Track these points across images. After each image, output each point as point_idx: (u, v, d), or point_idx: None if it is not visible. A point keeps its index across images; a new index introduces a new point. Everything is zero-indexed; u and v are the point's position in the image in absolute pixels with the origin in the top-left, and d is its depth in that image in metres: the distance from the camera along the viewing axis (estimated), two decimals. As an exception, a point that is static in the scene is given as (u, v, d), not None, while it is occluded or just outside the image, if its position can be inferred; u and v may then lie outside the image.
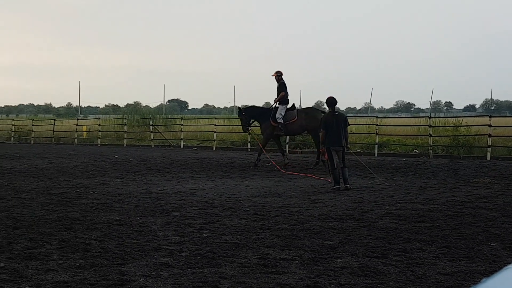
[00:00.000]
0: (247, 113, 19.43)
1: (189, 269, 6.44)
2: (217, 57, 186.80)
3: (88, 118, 55.95)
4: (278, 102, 18.80)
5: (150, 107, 53.40)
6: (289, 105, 18.93)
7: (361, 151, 25.73)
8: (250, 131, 21.13)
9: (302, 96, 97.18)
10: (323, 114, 18.65)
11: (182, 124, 33.05)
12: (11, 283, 5.93)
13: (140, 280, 6.02)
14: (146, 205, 10.85)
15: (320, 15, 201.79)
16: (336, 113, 13.35)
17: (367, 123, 29.02)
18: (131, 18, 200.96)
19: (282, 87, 18.75)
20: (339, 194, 12.52)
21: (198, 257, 6.95)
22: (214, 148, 29.43)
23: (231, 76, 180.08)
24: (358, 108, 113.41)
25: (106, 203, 11.14)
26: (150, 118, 35.16)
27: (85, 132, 36.71)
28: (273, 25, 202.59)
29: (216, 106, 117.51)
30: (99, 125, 35.88)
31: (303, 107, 23.20)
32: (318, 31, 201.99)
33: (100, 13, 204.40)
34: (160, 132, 33.82)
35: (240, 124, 20.19)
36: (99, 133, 34.90)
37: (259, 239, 7.97)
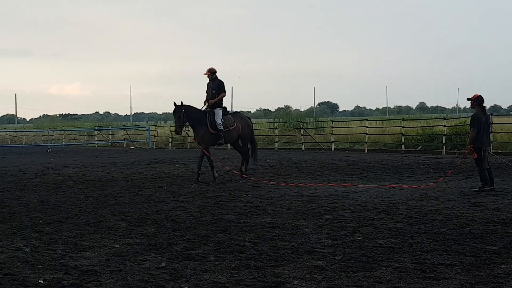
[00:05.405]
0: (187, 112, 15.47)
1: (343, 273, 6.32)
2: (367, 58, 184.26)
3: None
4: (208, 105, 15.81)
5: (301, 111, 53.73)
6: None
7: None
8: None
9: (460, 95, 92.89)
10: (248, 121, 16.44)
11: (333, 127, 32.95)
12: (171, 282, 6.15)
13: (294, 283, 6.00)
14: (298, 208, 10.86)
15: (467, 8, 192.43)
16: (484, 112, 12.99)
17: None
18: (281, 23, 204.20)
19: (221, 87, 15.78)
20: (502, 197, 11.79)
21: (352, 261, 6.81)
22: (366, 150, 29.03)
23: (383, 77, 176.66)
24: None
25: (259, 206, 11.29)
26: (301, 122, 35.43)
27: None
28: (422, 25, 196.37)
29: (368, 108, 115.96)
30: (251, 129, 36.67)
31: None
32: (471, 24, 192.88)
33: (250, 19, 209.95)
34: (310, 135, 33.97)
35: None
36: (251, 138, 35.67)
37: (415, 243, 7.67)
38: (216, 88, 15.77)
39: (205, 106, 15.84)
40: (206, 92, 15.94)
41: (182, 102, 15.38)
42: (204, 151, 15.63)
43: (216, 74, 15.96)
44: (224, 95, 15.93)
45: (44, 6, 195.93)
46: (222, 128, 15.61)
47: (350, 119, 47.54)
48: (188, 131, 16.90)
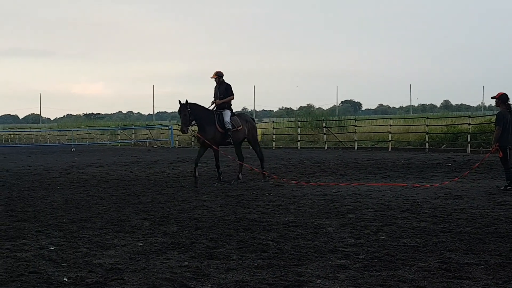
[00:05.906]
0: (192, 111, 15.10)
1: (366, 272, 6.28)
2: (391, 57, 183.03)
3: (263, 121, 57.52)
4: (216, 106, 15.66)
5: (323, 109, 53.67)
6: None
7: None
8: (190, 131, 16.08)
9: (485, 93, 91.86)
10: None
11: (355, 125, 32.81)
12: (194, 281, 6.15)
13: (317, 282, 5.97)
14: (321, 207, 10.82)
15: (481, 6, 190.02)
16: (509, 110, 12.76)
17: None
18: (306, 22, 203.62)
19: (229, 90, 15.64)
20: (527, 195, 11.64)
21: (376, 260, 6.77)
22: (390, 149, 28.85)
23: (407, 75, 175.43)
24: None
25: (282, 204, 11.27)
26: (324, 120, 35.32)
27: (260, 136, 37.74)
28: (448, 22, 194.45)
29: (391, 106, 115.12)
30: (273, 128, 36.70)
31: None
32: (497, 21, 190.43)
33: (271, 19, 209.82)
34: (333, 134, 33.85)
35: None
36: (273, 136, 35.68)
37: (440, 242, 7.60)
38: (224, 91, 15.64)
39: (213, 106, 15.69)
40: (214, 97, 15.82)
41: (186, 100, 15.00)
42: (213, 146, 15.34)
43: (223, 78, 15.80)
44: (233, 98, 15.79)
45: (67, 6, 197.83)
46: (230, 127, 15.46)
47: (373, 118, 47.33)
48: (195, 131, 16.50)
